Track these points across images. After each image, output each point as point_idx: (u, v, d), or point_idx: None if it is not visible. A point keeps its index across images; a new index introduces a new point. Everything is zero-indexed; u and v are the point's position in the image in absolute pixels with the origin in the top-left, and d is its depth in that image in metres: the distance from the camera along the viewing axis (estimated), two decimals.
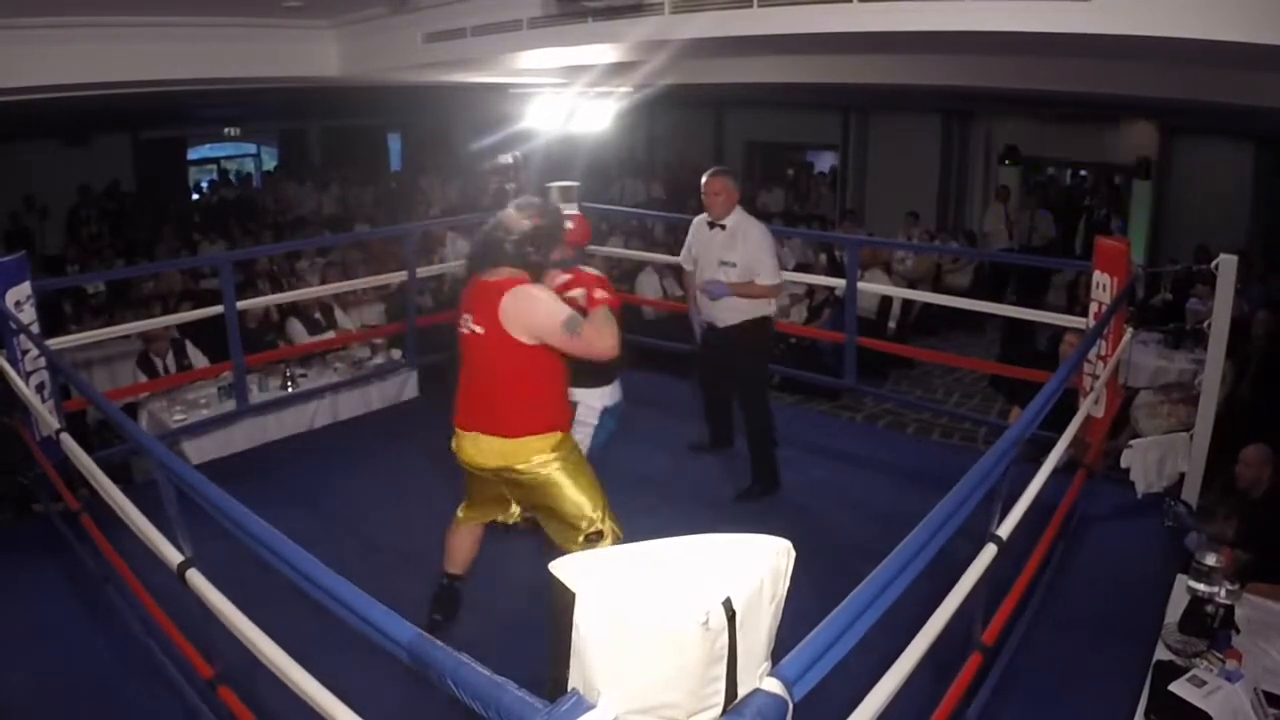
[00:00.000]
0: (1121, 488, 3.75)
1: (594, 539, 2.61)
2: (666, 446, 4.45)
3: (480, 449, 2.61)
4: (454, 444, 2.70)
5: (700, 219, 4.03)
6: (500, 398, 2.57)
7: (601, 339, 2.44)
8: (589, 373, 3.02)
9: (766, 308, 3.94)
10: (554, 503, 2.62)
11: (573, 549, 2.59)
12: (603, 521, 2.62)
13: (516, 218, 2.57)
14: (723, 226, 3.88)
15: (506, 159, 10.85)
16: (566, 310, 2.46)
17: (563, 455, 2.61)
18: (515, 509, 2.80)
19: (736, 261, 3.81)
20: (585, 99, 6.31)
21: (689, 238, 4.13)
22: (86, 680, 2.78)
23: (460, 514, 2.92)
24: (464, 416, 2.65)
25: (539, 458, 2.58)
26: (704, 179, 3.93)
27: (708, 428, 4.43)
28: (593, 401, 3.37)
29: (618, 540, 2.61)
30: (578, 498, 2.61)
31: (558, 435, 2.61)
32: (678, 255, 4.37)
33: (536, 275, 2.59)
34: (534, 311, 2.45)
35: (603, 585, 0.94)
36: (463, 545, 2.96)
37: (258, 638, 1.82)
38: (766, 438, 4.01)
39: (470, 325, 2.56)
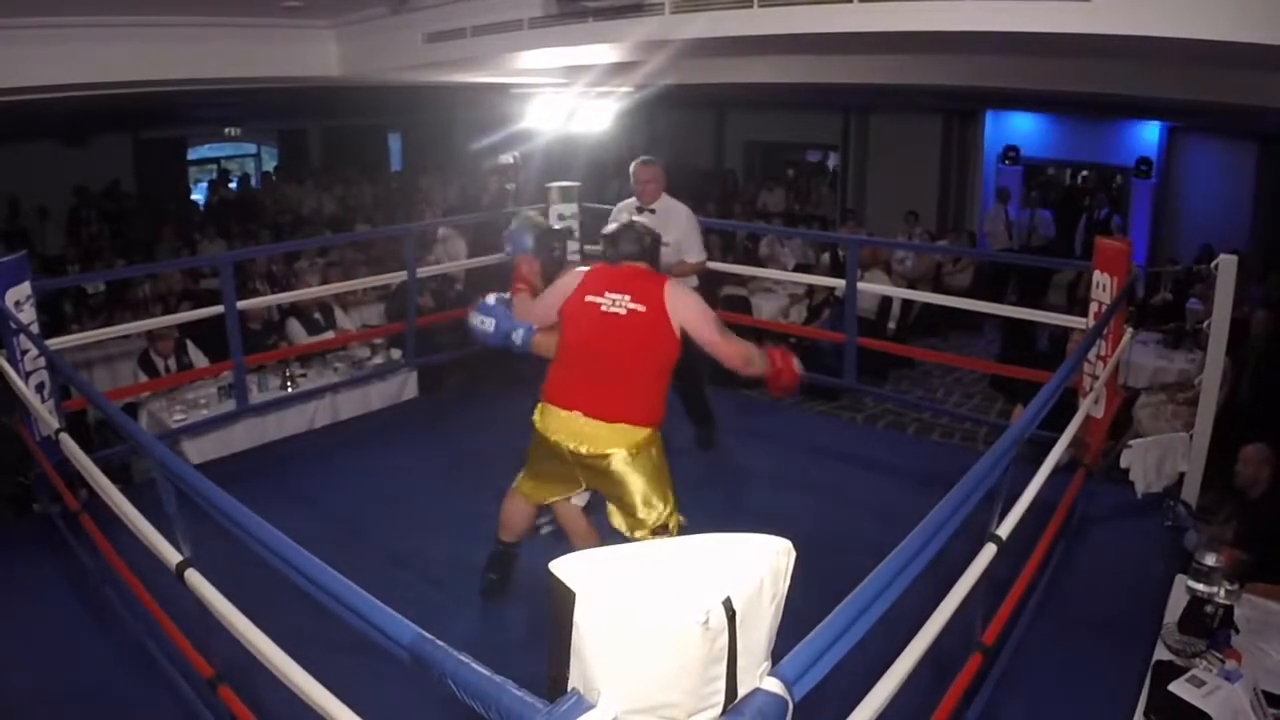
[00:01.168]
0: (1121, 488, 3.75)
1: (660, 533, 2.67)
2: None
3: (573, 430, 2.65)
4: (539, 418, 2.75)
5: (626, 205, 4.30)
6: (624, 379, 2.64)
7: (733, 347, 2.69)
8: None
9: (693, 281, 4.30)
10: (624, 494, 2.68)
11: (638, 538, 2.66)
12: (669, 518, 2.69)
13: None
14: (652, 210, 4.18)
15: (507, 159, 10.85)
16: (712, 312, 2.72)
17: (646, 452, 2.67)
18: (585, 490, 2.86)
19: (670, 241, 4.03)
20: (585, 99, 6.31)
21: None
22: (86, 680, 2.77)
23: (522, 488, 2.93)
24: (566, 395, 2.69)
25: (623, 448, 2.63)
26: (634, 167, 4.23)
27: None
28: None
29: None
30: (648, 492, 2.66)
31: (649, 431, 2.68)
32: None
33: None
34: (690, 305, 2.66)
35: (603, 585, 0.94)
36: (517, 517, 3.00)
37: (257, 638, 1.81)
38: (703, 389, 4.36)
39: (626, 304, 2.64)
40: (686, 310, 2.64)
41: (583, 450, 2.64)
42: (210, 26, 4.96)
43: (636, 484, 2.65)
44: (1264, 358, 5.49)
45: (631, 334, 2.62)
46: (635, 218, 4.07)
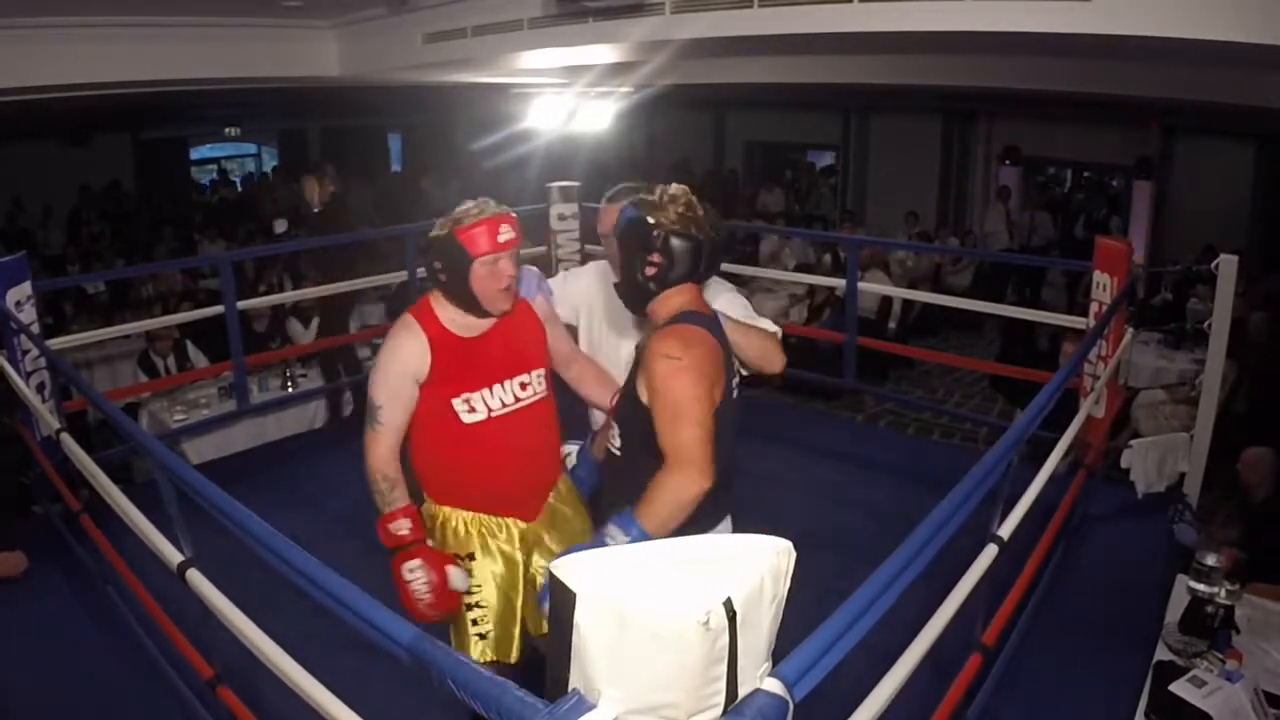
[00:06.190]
0: (1121, 488, 3.74)
1: None
2: None
3: None
4: None
5: None
6: None
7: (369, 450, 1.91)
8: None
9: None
10: None
11: None
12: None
13: None
14: None
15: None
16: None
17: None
18: None
19: None
20: (585, 99, 6.31)
21: None
22: (86, 680, 2.77)
23: None
24: None
25: None
26: None
27: None
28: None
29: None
30: None
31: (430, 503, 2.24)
32: None
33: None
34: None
35: (603, 585, 0.94)
36: None
37: (258, 638, 1.81)
38: None
39: None
40: None
41: None
42: (210, 26, 4.96)
43: None
44: (1264, 358, 5.48)
45: None
46: None
